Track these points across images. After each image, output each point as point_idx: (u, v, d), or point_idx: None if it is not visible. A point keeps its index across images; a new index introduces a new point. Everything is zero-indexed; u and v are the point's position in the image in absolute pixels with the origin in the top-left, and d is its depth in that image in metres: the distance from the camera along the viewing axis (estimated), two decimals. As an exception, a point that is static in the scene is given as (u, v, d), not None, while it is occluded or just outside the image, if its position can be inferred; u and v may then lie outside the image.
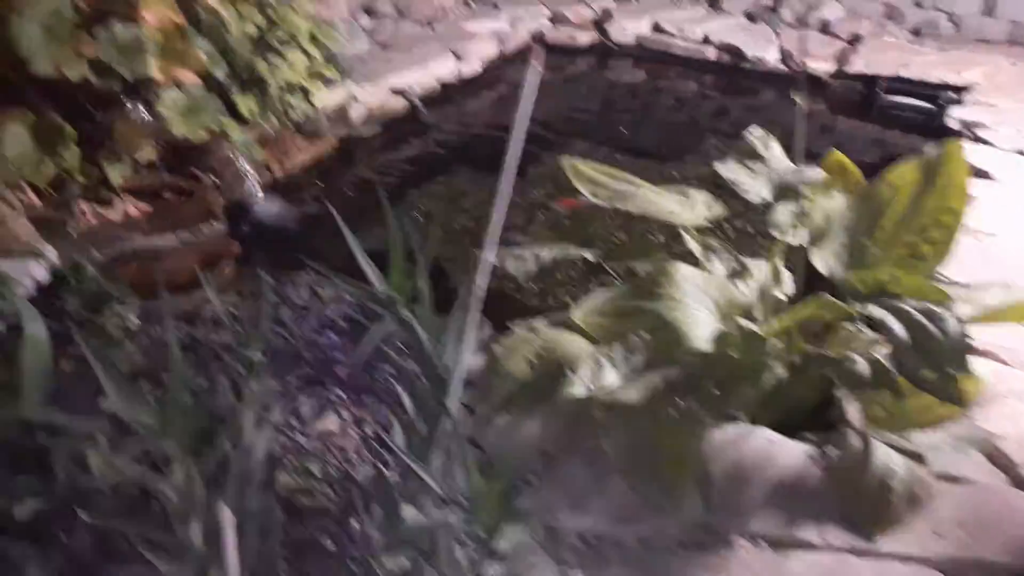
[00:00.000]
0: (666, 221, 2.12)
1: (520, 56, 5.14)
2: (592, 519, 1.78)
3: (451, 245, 3.24)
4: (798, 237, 2.17)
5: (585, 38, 5.18)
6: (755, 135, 2.46)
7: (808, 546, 1.72)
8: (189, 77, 2.70)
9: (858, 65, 4.48)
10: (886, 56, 4.48)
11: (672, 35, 5.01)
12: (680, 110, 4.85)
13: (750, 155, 2.38)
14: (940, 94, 4.33)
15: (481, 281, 1.24)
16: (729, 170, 2.28)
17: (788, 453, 1.94)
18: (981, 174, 3.32)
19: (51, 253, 2.32)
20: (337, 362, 1.83)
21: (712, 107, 4.87)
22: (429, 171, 3.88)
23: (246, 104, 3.16)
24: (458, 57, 4.49)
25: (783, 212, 2.22)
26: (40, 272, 2.03)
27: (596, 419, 1.73)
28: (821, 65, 4.61)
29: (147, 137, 2.74)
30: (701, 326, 1.79)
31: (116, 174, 2.69)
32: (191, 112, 2.70)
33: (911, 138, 4.35)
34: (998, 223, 2.94)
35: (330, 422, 1.80)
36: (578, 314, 1.86)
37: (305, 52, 3.39)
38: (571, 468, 1.85)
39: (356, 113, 3.90)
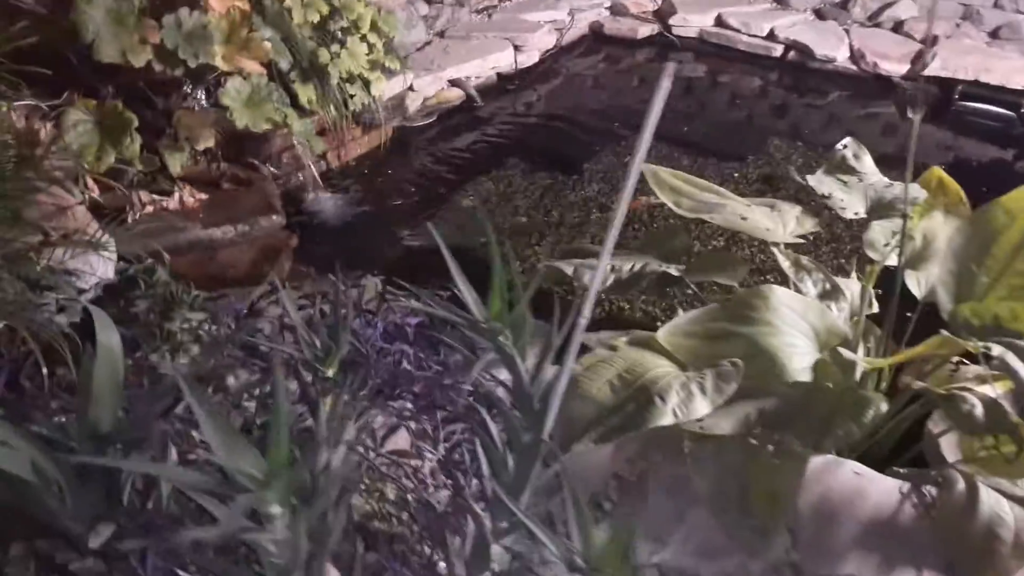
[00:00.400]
0: (757, 237, 2.00)
1: (577, 47, 5.02)
2: (672, 551, 1.69)
3: (505, 243, 3.16)
4: (893, 257, 2.04)
5: (645, 30, 5.03)
6: (847, 146, 2.33)
7: (907, 595, 1.61)
8: (253, 66, 2.62)
9: (935, 67, 4.28)
10: (966, 59, 4.27)
11: (737, 30, 4.84)
12: (741, 108, 4.69)
13: (841, 168, 2.26)
14: (1022, 101, 4.13)
15: (587, 310, 1.14)
16: (821, 183, 2.15)
17: (879, 489, 1.81)
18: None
19: (110, 245, 2.27)
20: (412, 377, 1.75)
21: (775, 106, 4.70)
22: (482, 164, 3.80)
23: (306, 94, 3.08)
24: (516, 48, 4.38)
25: (878, 230, 2.10)
26: (103, 268, 1.96)
27: (684, 449, 1.63)
28: (894, 66, 4.42)
29: (208, 126, 2.67)
30: (799, 355, 1.68)
31: (175, 163, 2.63)
32: (254, 103, 2.62)
33: (986, 147, 4.16)
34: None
35: (401, 440, 1.73)
36: (663, 334, 1.75)
37: (367, 41, 3.29)
38: (648, 495, 1.76)
39: (413, 104, 3.82)
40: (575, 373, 1.73)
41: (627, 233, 3.34)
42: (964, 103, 4.29)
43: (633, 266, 1.99)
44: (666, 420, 1.57)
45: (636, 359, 1.75)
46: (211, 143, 2.71)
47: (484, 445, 1.29)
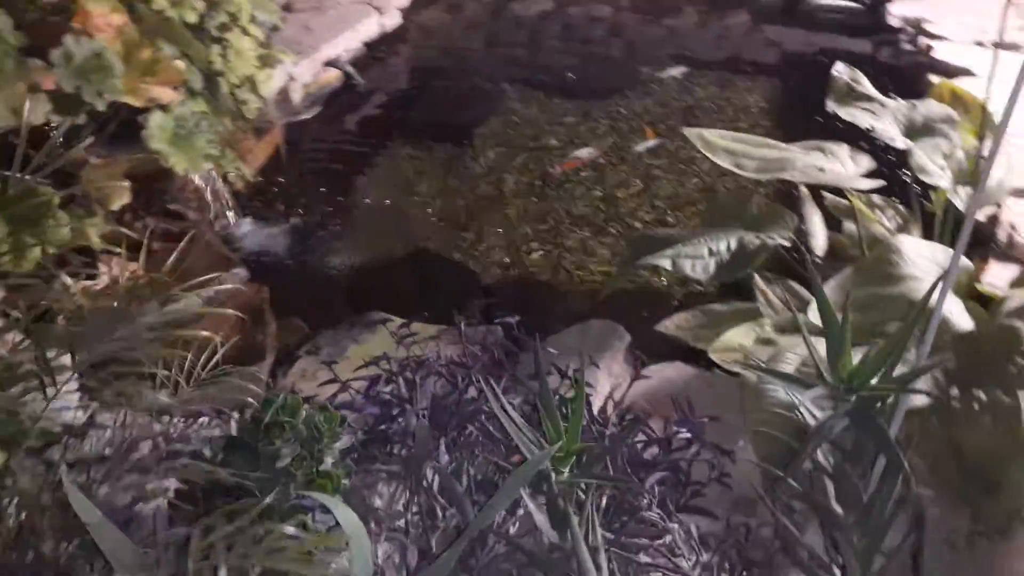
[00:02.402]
0: (837, 185, 1.92)
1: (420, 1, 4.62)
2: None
3: (435, 236, 2.92)
4: (945, 180, 2.05)
5: (485, -30, 4.73)
6: (842, 72, 2.30)
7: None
8: (168, 94, 2.08)
9: (781, -30, 4.40)
10: (808, -42, 4.43)
11: (580, -44, 4.68)
12: (602, 39, 4.55)
13: (853, 95, 2.22)
14: (864, -9, 4.37)
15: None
16: (855, 116, 2.11)
17: None
18: (963, 72, 3.37)
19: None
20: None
21: (636, 32, 4.61)
22: (378, 149, 3.45)
23: (198, 108, 2.54)
24: (378, 10, 3.93)
25: (922, 154, 2.09)
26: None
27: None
28: (741, -26, 4.50)
29: (121, 177, 2.12)
30: (954, 303, 1.64)
31: (94, 232, 2.07)
32: (184, 139, 2.09)
33: (839, 38, 4.36)
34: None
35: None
36: (815, 314, 1.63)
37: (249, 34, 2.77)
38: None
39: (296, 96, 3.32)
40: (750, 386, 1.58)
41: (565, 193, 3.17)
42: (814, 0, 4.48)
43: (729, 244, 1.84)
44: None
45: (794, 345, 1.62)
46: (127, 198, 2.16)
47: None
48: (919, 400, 1.57)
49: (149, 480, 1.17)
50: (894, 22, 4.03)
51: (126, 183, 2.13)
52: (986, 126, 2.00)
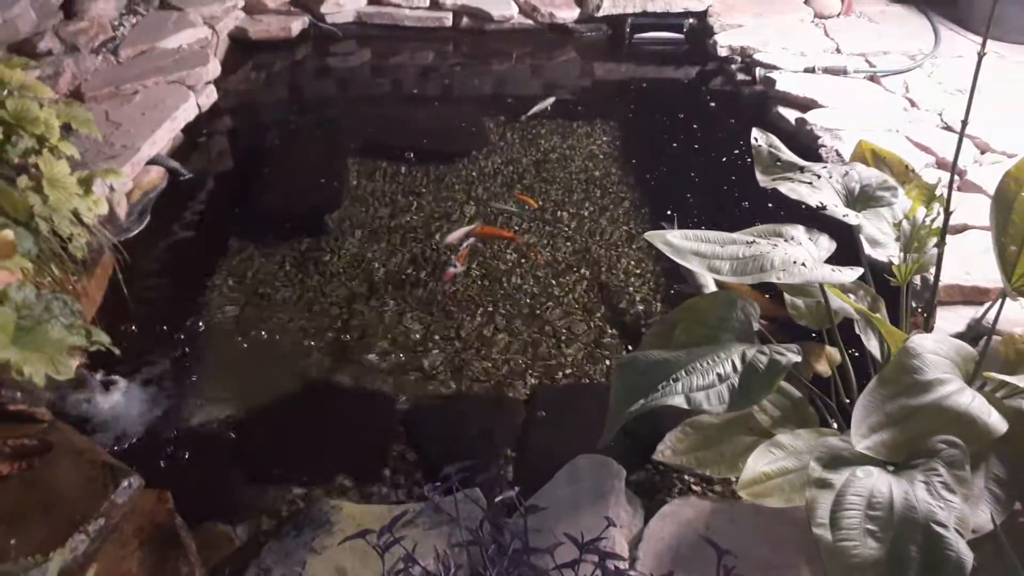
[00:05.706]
0: (824, 283, 1.81)
1: (228, 65, 4.07)
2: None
3: (317, 360, 2.49)
4: (895, 251, 2.02)
5: (297, 24, 4.28)
6: (760, 140, 2.22)
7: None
8: (2, 276, 1.55)
9: (607, 7, 4.37)
10: (629, -7, 4.45)
11: (398, 5, 4.37)
12: (433, 92, 4.26)
13: (781, 164, 2.15)
14: (683, 22, 4.45)
15: None
16: (795, 191, 2.02)
17: None
18: (811, 103, 3.48)
19: None
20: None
21: (466, 81, 4.36)
22: (220, 256, 2.95)
23: (19, 264, 1.98)
24: (191, 88, 3.39)
25: (871, 226, 2.05)
26: None
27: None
28: (566, 13, 4.42)
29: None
30: (979, 401, 1.57)
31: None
32: (34, 335, 1.56)
33: (665, 69, 4.42)
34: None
35: None
36: (862, 443, 1.50)
37: (62, 156, 2.22)
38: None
39: (121, 209, 2.75)
40: (822, 538, 1.41)
41: (441, 276, 2.87)
42: (637, 35, 4.49)
43: (734, 364, 1.66)
44: (963, 549, 1.36)
45: (864, 484, 1.47)
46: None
47: None
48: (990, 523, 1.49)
49: None
50: (722, 52, 4.12)
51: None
52: (932, 195, 1.99)
